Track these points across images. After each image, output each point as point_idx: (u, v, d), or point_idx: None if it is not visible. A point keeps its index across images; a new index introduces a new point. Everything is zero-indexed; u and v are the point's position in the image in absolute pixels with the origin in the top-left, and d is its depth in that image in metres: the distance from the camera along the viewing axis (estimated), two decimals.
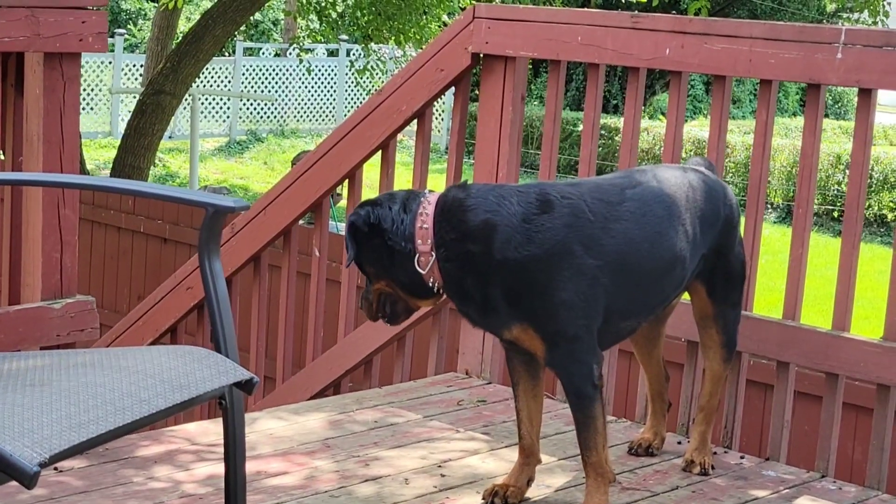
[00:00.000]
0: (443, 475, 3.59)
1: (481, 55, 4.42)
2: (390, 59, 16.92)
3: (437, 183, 4.73)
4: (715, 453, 3.88)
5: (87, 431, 1.95)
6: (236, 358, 2.32)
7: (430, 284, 3.17)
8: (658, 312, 3.51)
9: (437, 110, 19.69)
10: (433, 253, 3.14)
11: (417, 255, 3.14)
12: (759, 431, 5.21)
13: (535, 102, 19.85)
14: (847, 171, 16.02)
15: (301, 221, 5.08)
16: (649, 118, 19.27)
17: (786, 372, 3.82)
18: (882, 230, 15.47)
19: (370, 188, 6.76)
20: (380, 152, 4.72)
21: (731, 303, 3.59)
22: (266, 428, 3.92)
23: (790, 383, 3.83)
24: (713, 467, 3.67)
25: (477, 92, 4.51)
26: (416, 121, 4.66)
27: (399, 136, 4.75)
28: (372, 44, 14.33)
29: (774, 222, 15.73)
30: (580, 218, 3.16)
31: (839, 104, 22.68)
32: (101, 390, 2.08)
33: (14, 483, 1.91)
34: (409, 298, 3.25)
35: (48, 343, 3.65)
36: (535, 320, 3.15)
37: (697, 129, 17.50)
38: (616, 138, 16.77)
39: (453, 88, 4.57)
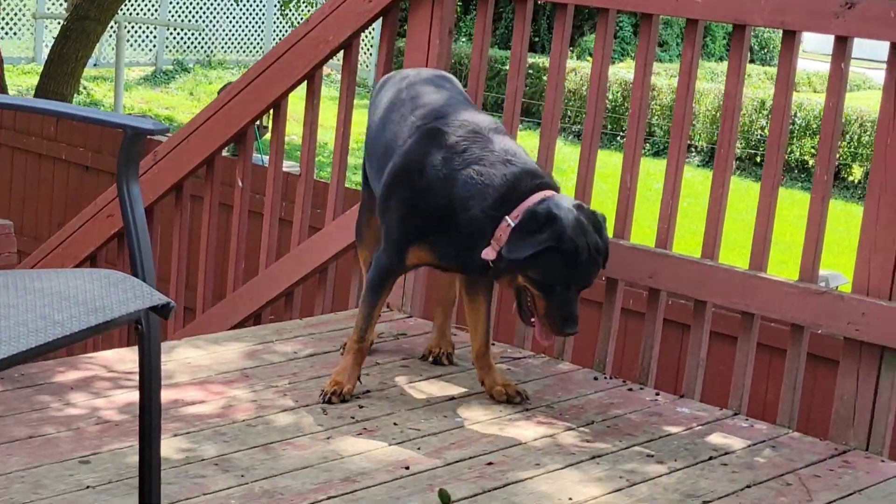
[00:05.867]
0: (361, 406, 3.60)
1: None
2: None
3: (361, 117, 4.69)
4: (630, 390, 3.93)
5: None
6: (153, 282, 2.31)
7: None
8: None
9: (366, 45, 19.56)
10: None
11: None
12: (675, 371, 5.27)
13: (464, 40, 19.78)
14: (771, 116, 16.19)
15: (225, 152, 5.04)
16: (577, 59, 19.30)
17: (702, 310, 3.86)
18: (803, 176, 15.62)
19: (296, 121, 6.74)
20: (305, 83, 4.69)
21: None
22: (184, 357, 3.91)
23: (706, 322, 3.87)
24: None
25: (406, 27, 4.48)
26: (342, 52, 4.63)
27: (328, 71, 4.72)
28: None
29: (698, 166, 15.84)
30: None
31: (765, 50, 22.80)
32: (13, 311, 2.06)
33: None
34: None
35: None
36: None
37: (625, 71, 17.54)
38: (544, 78, 16.77)
39: (381, 21, 4.54)
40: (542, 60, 17.48)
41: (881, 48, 3.49)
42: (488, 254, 3.41)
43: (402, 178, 3.55)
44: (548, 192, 3.43)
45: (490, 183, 3.42)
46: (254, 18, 22.33)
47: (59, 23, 15.79)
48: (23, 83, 18.08)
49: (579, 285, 3.39)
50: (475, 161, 3.46)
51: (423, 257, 3.60)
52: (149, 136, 2.45)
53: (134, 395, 3.49)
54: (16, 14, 19.91)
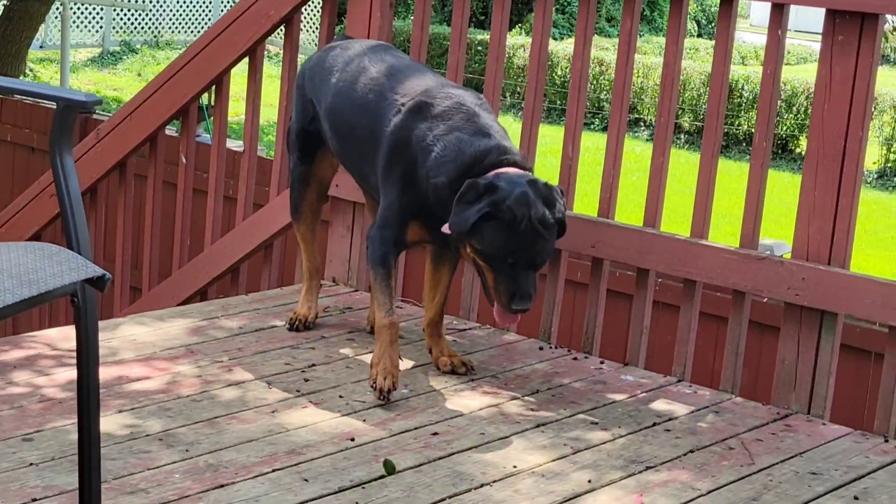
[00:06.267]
0: (306, 380, 3.60)
1: None
2: None
3: None
4: (575, 359, 3.95)
5: None
6: (89, 255, 2.30)
7: None
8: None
9: (313, 25, 19.49)
10: None
11: None
12: (623, 343, 5.30)
13: (412, 18, 19.76)
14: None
15: (173, 131, 5.02)
16: (526, 35, 19.30)
17: (645, 278, 3.89)
18: (751, 149, 15.72)
19: (241, 100, 6.71)
20: (247, 58, 4.68)
21: None
22: (129, 334, 3.90)
23: (649, 289, 3.90)
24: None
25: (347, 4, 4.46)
26: (284, 28, 4.62)
27: (276, 50, 4.71)
28: None
29: (647, 140, 15.90)
30: None
31: (713, 24, 22.90)
32: None
33: None
34: None
35: None
36: None
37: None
38: None
39: None
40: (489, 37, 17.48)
41: None
42: (446, 227, 3.39)
43: (395, 154, 3.53)
44: (510, 169, 3.39)
45: (462, 151, 3.41)
46: None
47: (2, 4, 15.65)
48: None
49: (523, 258, 3.33)
50: (457, 129, 3.45)
51: (419, 233, 3.56)
52: (93, 115, 2.45)
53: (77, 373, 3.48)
54: None
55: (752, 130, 15.90)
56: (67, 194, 2.29)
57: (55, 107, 2.40)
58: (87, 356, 2.36)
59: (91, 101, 2.32)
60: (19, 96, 10.00)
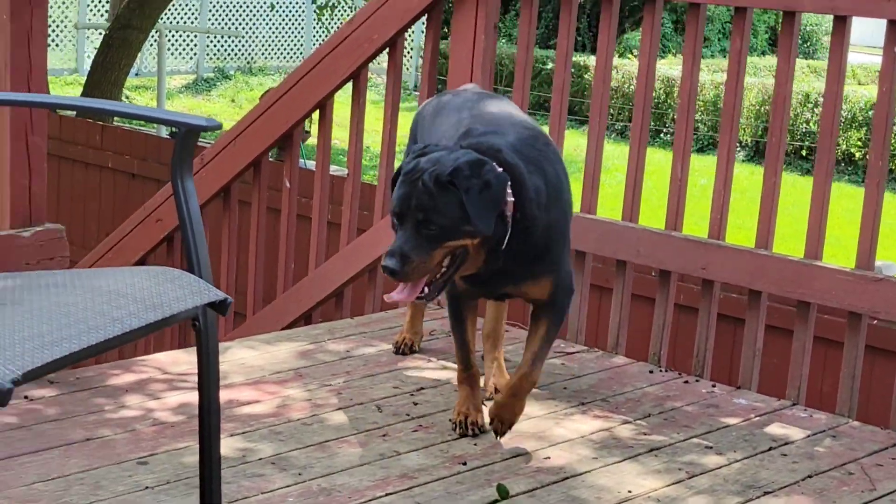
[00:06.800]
0: (415, 403, 3.59)
1: None
2: None
3: (404, 119, 4.68)
4: (686, 382, 3.90)
5: (59, 349, 1.92)
6: (209, 278, 2.30)
7: None
8: None
9: (406, 48, 19.57)
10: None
11: None
12: (728, 367, 5.23)
13: (503, 41, 19.75)
14: (816, 110, 16.10)
15: (269, 157, 5.04)
16: (619, 56, 19.23)
17: (757, 300, 3.83)
18: (850, 168, 15.49)
19: (337, 125, 6.75)
20: (350, 84, 4.69)
21: None
22: (237, 357, 3.91)
23: (762, 311, 3.84)
24: None
25: (448, 28, 4.45)
26: (387, 52, 4.62)
27: (369, 75, 4.72)
28: None
29: (743, 161, 15.75)
30: None
31: (808, 43, 22.66)
32: (73, 309, 2.05)
33: None
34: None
35: (17, 271, 3.61)
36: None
37: (666, 67, 17.46)
38: (586, 76, 16.74)
39: (425, 20, 4.52)
40: (583, 59, 17.43)
41: None
42: None
43: None
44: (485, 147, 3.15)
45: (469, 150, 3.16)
46: (292, 24, 22.42)
47: (100, 33, 15.89)
48: (66, 94, 18.18)
49: (406, 213, 3.02)
50: (480, 138, 3.22)
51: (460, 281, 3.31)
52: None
53: (188, 397, 3.50)
54: (58, 25, 20.04)
55: (850, 150, 15.71)
56: (189, 216, 2.29)
57: (154, 133, 2.42)
58: (208, 379, 2.36)
59: (212, 126, 2.33)
60: (118, 122, 10.13)
